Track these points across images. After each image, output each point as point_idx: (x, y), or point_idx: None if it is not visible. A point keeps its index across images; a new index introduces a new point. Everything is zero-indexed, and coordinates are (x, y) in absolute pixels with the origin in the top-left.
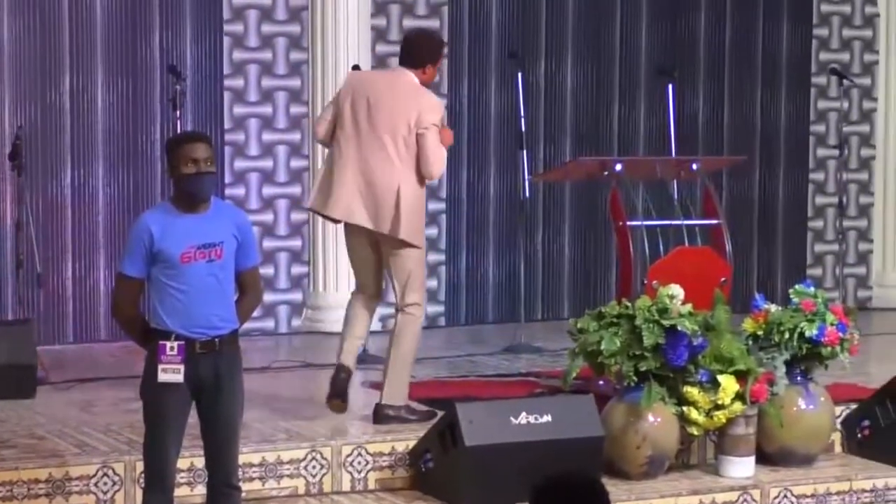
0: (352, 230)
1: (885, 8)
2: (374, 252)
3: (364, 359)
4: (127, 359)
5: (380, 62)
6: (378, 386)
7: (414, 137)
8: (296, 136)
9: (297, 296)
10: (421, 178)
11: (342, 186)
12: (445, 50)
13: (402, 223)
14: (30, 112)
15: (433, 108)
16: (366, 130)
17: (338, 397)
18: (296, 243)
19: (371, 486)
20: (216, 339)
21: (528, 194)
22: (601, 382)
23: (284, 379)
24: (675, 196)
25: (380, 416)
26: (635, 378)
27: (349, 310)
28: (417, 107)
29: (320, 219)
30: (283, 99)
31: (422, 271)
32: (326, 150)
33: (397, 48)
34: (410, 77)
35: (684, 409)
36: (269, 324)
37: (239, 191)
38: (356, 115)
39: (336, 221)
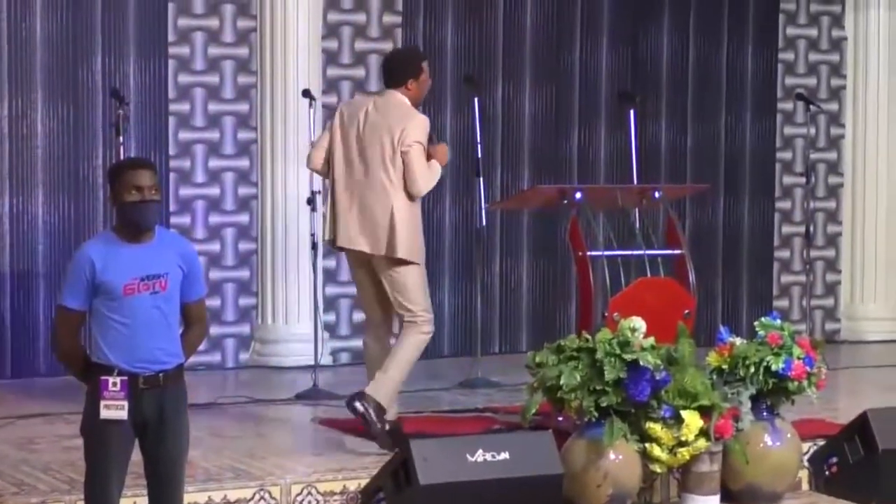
0: (352, 257)
1: (853, 31)
2: (374, 278)
3: (314, 394)
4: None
5: (331, 86)
6: (328, 423)
7: (399, 156)
8: (244, 163)
9: (244, 328)
10: (410, 195)
11: (342, 214)
12: (425, 63)
13: (399, 242)
14: None
15: (417, 127)
16: (357, 154)
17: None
18: (243, 274)
19: None
20: (160, 374)
21: (484, 223)
22: (561, 418)
23: (231, 415)
24: (637, 225)
25: (353, 401)
26: (596, 414)
27: (365, 356)
28: (401, 125)
29: (269, 249)
30: (230, 124)
31: (422, 284)
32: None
33: (349, 71)
34: (398, 97)
35: (647, 445)
36: (215, 358)
37: (184, 219)
38: (347, 141)
39: (343, 250)
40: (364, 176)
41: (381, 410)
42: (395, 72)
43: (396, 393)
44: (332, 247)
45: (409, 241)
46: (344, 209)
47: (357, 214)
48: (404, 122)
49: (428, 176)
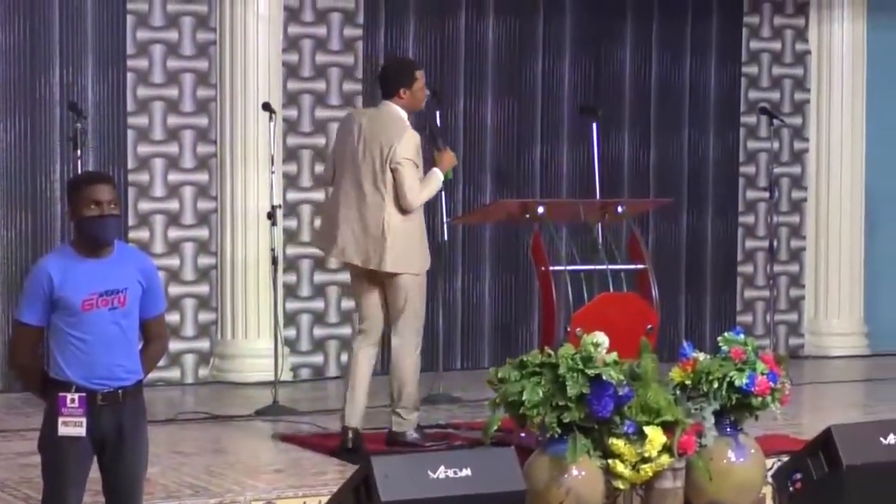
0: (350, 269)
1: (816, 45)
2: (376, 287)
3: (274, 410)
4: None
5: (291, 99)
6: (288, 439)
7: (389, 171)
8: (203, 177)
9: (204, 344)
10: (402, 209)
11: (334, 226)
12: (419, 72)
13: (389, 256)
14: None
15: (406, 144)
16: (353, 167)
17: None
18: (203, 289)
19: None
20: (119, 391)
21: (446, 237)
22: (523, 434)
23: (190, 431)
24: (600, 240)
25: (392, 444)
26: (559, 430)
27: (352, 364)
28: (391, 142)
29: (229, 263)
30: (189, 137)
31: (418, 300)
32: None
33: (310, 85)
34: (392, 109)
35: (610, 461)
36: (174, 373)
37: (143, 234)
38: (344, 153)
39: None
40: (358, 188)
41: (419, 431)
42: (387, 81)
43: (419, 402)
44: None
45: (402, 253)
46: (338, 220)
47: (352, 226)
48: (394, 139)
49: (420, 190)
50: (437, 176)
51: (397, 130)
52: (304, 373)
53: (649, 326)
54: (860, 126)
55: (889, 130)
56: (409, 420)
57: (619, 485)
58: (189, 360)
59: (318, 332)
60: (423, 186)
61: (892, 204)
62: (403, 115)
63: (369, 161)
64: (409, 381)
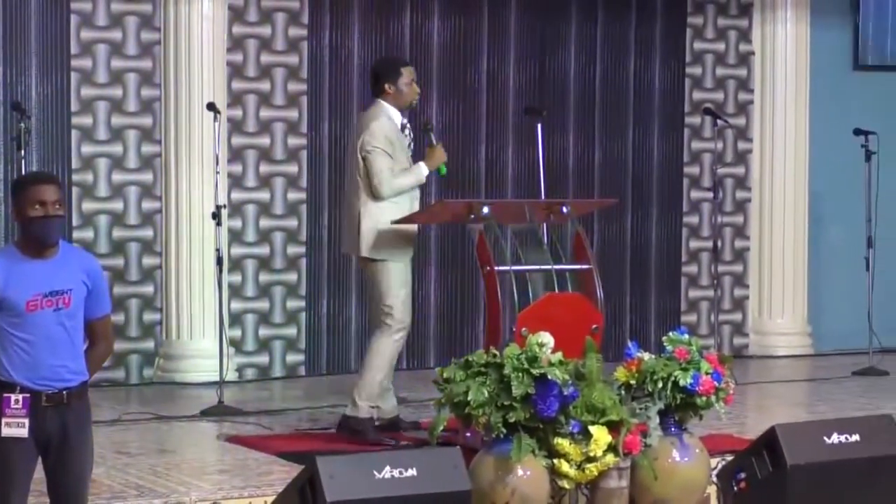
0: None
1: (760, 46)
2: None
3: (219, 411)
4: None
5: (235, 99)
6: (234, 440)
7: (361, 159)
8: (147, 177)
9: (148, 344)
10: (375, 196)
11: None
12: (405, 68)
13: (363, 241)
14: None
15: (372, 134)
16: (347, 162)
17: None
18: (148, 289)
19: None
20: (64, 392)
21: None
22: (468, 434)
23: (135, 432)
24: (545, 240)
25: (343, 427)
26: (504, 429)
27: None
28: (361, 132)
29: (174, 264)
30: (133, 137)
31: (394, 285)
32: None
33: (254, 85)
34: (379, 104)
35: (555, 461)
36: (119, 374)
37: (87, 234)
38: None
39: None
40: (348, 181)
41: (369, 420)
42: (374, 79)
43: (379, 390)
44: None
45: (375, 239)
46: (343, 214)
47: (344, 217)
48: (363, 128)
49: (391, 178)
50: (421, 170)
51: (368, 121)
52: (250, 373)
53: (594, 326)
54: (803, 127)
55: (832, 131)
56: (362, 407)
57: (565, 484)
58: (134, 360)
59: (264, 332)
60: (399, 176)
61: (836, 204)
62: (388, 110)
63: (351, 153)
64: (370, 369)
